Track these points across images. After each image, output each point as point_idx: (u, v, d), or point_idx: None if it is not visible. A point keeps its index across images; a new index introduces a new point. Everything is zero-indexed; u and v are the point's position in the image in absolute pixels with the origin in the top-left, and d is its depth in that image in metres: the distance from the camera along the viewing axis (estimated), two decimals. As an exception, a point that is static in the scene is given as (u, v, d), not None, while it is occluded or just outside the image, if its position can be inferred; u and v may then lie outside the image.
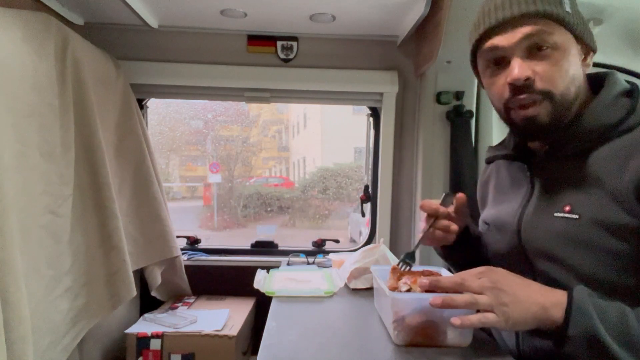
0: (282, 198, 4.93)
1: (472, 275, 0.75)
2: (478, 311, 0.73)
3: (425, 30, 1.65)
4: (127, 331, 1.50)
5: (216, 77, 1.83)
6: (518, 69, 0.74)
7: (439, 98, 1.82)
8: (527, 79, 0.74)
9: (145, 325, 1.55)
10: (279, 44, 1.86)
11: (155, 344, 1.48)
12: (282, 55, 1.87)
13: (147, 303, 1.82)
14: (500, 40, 0.76)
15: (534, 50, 0.75)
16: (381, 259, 1.34)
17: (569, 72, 0.75)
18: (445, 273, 1.00)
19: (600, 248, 0.73)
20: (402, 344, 0.86)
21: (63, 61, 1.26)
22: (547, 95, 0.75)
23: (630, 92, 0.79)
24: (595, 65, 1.77)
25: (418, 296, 0.87)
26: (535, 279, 0.80)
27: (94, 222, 1.35)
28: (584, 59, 0.79)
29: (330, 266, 1.63)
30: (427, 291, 0.90)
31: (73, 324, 1.26)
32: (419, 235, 0.98)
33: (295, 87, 1.87)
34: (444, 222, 0.93)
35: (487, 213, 1.01)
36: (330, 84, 1.86)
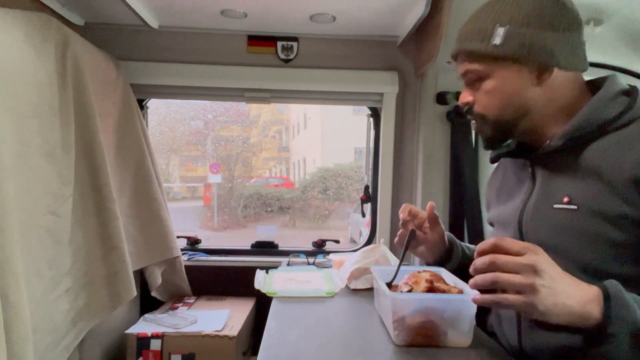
0: (283, 198, 4.93)
1: (511, 250, 0.67)
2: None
3: (426, 30, 1.65)
4: (128, 331, 1.50)
5: (216, 77, 1.83)
6: (463, 95, 0.92)
7: (439, 98, 1.82)
8: (467, 104, 0.91)
9: (146, 326, 1.55)
10: (279, 44, 1.86)
11: (155, 344, 1.48)
12: (282, 56, 1.87)
13: (147, 303, 1.82)
14: (457, 71, 0.93)
15: (472, 79, 0.88)
16: (381, 259, 1.34)
17: (503, 97, 0.85)
18: (445, 273, 1.01)
19: (599, 238, 0.74)
20: (403, 344, 0.86)
21: (63, 61, 1.26)
22: (483, 118, 0.90)
23: (628, 92, 0.82)
24: (596, 65, 1.78)
25: (418, 296, 0.88)
26: None
27: (94, 222, 1.35)
28: (540, 75, 0.82)
29: (331, 266, 1.63)
30: (427, 291, 0.90)
31: (73, 324, 1.26)
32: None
33: (295, 87, 1.87)
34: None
35: (492, 213, 1.05)
36: (331, 84, 1.86)
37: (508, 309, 0.80)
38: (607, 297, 0.64)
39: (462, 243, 1.15)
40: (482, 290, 0.70)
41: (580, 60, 0.84)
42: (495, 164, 1.09)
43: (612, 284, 0.66)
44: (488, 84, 0.86)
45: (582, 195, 0.77)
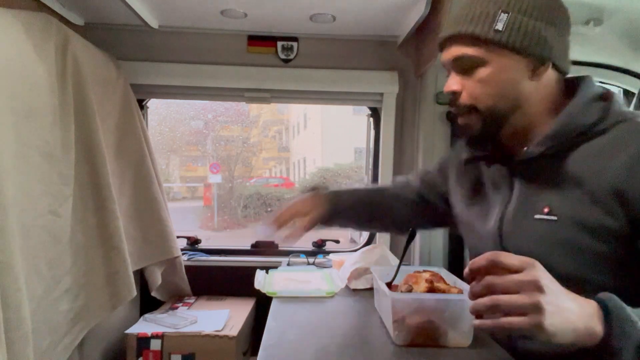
0: (283, 198, 4.93)
1: (509, 266, 0.61)
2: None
3: (426, 30, 1.65)
4: (127, 331, 1.49)
5: (216, 77, 1.83)
6: (449, 83, 0.85)
7: (439, 98, 1.82)
8: (454, 92, 0.84)
9: (146, 326, 1.55)
10: (279, 44, 1.86)
11: (155, 344, 1.48)
12: (282, 56, 1.87)
13: (147, 303, 1.82)
14: (442, 57, 0.87)
15: (464, 66, 0.83)
16: (381, 260, 1.34)
17: (497, 87, 0.81)
18: (445, 273, 1.01)
19: (580, 249, 0.73)
20: (403, 344, 0.86)
21: (63, 61, 1.26)
22: (472, 108, 0.83)
23: (603, 96, 0.80)
24: (596, 65, 1.78)
25: (418, 296, 0.88)
26: None
27: (94, 222, 1.35)
28: (535, 69, 0.79)
29: (331, 266, 1.63)
30: (427, 291, 0.90)
31: (73, 324, 1.26)
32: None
33: (295, 87, 1.87)
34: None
35: (462, 212, 1.01)
36: (331, 84, 1.86)
37: (513, 333, 0.70)
38: (606, 311, 0.61)
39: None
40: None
41: (569, 61, 0.83)
42: None
43: (609, 297, 0.63)
44: (483, 72, 0.81)
45: (562, 206, 0.76)
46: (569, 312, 0.59)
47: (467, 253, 1.12)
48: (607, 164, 0.72)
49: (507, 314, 0.59)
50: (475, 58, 0.81)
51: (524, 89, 0.81)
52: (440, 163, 1.15)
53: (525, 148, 0.82)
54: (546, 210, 0.78)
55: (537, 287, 0.57)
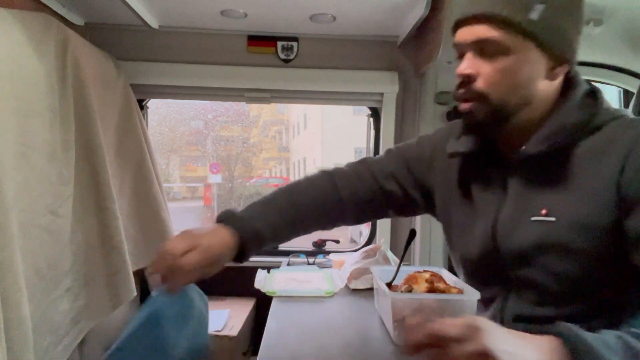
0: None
1: (453, 338, 0.57)
2: None
3: (426, 30, 1.65)
4: (128, 331, 1.49)
5: (216, 77, 1.83)
6: (464, 65, 0.77)
7: (439, 98, 1.82)
8: (469, 76, 0.76)
9: (146, 326, 1.55)
10: (279, 44, 1.86)
11: (155, 344, 1.47)
12: (282, 56, 1.87)
13: (148, 303, 1.82)
14: (460, 36, 0.78)
15: (486, 50, 0.75)
16: (381, 260, 1.34)
17: (515, 80, 0.75)
18: (445, 273, 1.01)
19: (578, 249, 0.72)
20: (403, 344, 0.86)
21: (63, 61, 1.26)
22: (483, 96, 0.76)
23: (592, 94, 0.79)
24: (596, 65, 1.78)
25: (418, 296, 0.88)
26: (508, 284, 0.81)
27: (94, 222, 1.35)
28: (553, 68, 0.76)
29: (331, 266, 1.63)
30: (427, 291, 0.90)
31: (73, 324, 1.26)
32: None
33: (295, 87, 1.87)
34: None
35: (449, 210, 0.94)
36: (331, 84, 1.86)
37: None
38: (569, 342, 0.57)
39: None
40: None
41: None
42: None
43: (566, 327, 0.59)
44: (505, 61, 0.74)
45: (560, 207, 0.74)
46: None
47: (452, 260, 0.99)
48: (602, 161, 0.72)
49: None
50: (502, 44, 0.73)
51: (538, 87, 0.77)
52: (420, 151, 1.00)
53: (523, 147, 0.79)
54: (544, 211, 0.76)
55: (486, 352, 0.54)
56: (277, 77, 1.85)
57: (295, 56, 1.87)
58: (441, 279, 0.95)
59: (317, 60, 1.87)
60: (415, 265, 1.88)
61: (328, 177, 0.98)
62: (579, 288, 0.73)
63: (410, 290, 0.91)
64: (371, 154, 2.03)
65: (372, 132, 2.02)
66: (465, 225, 0.89)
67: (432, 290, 0.89)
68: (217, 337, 1.49)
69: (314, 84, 1.86)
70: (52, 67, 1.21)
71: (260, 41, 1.86)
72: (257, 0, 1.53)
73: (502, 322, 0.81)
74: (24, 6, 1.25)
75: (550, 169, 0.77)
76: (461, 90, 0.78)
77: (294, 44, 1.86)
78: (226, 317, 1.61)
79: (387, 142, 1.90)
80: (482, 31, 0.74)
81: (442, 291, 0.89)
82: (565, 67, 0.77)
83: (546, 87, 0.77)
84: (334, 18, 1.67)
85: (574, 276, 0.73)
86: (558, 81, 0.79)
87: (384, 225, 1.95)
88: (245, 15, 1.66)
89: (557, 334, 0.59)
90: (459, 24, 0.78)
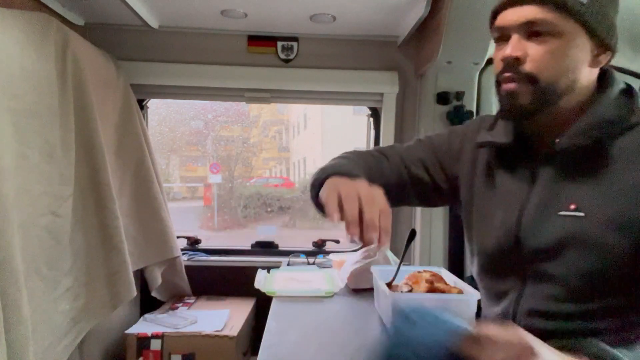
0: (283, 198, 4.93)
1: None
2: None
3: (426, 30, 1.65)
4: (128, 331, 1.50)
5: (216, 77, 1.83)
6: (511, 47, 0.75)
7: (439, 98, 1.82)
8: (517, 58, 0.75)
9: (146, 326, 1.55)
10: (280, 44, 1.86)
11: (155, 345, 1.48)
12: (282, 56, 1.87)
13: (148, 303, 1.82)
14: (506, 18, 0.76)
15: (535, 32, 0.74)
16: (381, 260, 1.34)
17: (564, 63, 0.74)
18: (445, 273, 1.01)
19: (606, 246, 0.71)
20: (403, 344, 0.86)
21: (63, 61, 1.26)
22: (532, 78, 0.75)
23: (627, 91, 0.79)
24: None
25: (418, 296, 0.88)
26: (524, 277, 0.80)
27: (94, 222, 1.35)
28: (597, 55, 0.76)
29: (331, 266, 1.63)
30: (427, 291, 0.90)
31: (73, 324, 1.26)
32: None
33: (295, 87, 1.87)
34: None
35: (473, 197, 0.93)
36: (331, 84, 1.86)
37: None
38: None
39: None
40: None
41: None
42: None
43: (593, 346, 0.60)
44: (555, 43, 0.73)
45: (590, 202, 0.73)
46: None
47: (467, 251, 1.01)
48: (637, 159, 0.72)
49: None
50: (554, 26, 0.73)
51: (582, 73, 0.76)
52: (450, 141, 1.00)
53: (557, 140, 0.77)
54: (572, 206, 0.74)
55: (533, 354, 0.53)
56: (277, 77, 1.85)
57: (295, 56, 1.87)
58: (441, 279, 0.95)
59: (317, 60, 1.87)
60: (415, 265, 1.88)
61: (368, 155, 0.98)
62: (600, 285, 0.72)
63: (410, 290, 0.91)
64: (371, 154, 2.03)
65: (372, 132, 2.02)
66: (486, 214, 0.88)
67: (432, 290, 0.89)
68: (218, 337, 1.49)
69: (314, 84, 1.86)
70: (52, 67, 1.21)
71: (260, 41, 1.86)
72: (257, 0, 1.53)
73: (515, 315, 0.80)
74: (24, 6, 1.26)
75: (582, 163, 0.76)
76: (507, 73, 0.76)
77: (294, 44, 1.86)
78: (226, 317, 1.61)
79: (387, 142, 1.90)
80: (533, 12, 0.73)
81: (442, 291, 0.89)
82: (608, 55, 0.77)
83: (588, 75, 0.77)
84: (334, 18, 1.67)
85: (597, 273, 0.72)
86: (596, 72, 0.79)
87: (384, 225, 1.94)
88: (245, 15, 1.66)
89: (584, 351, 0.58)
90: (505, 6, 0.77)
